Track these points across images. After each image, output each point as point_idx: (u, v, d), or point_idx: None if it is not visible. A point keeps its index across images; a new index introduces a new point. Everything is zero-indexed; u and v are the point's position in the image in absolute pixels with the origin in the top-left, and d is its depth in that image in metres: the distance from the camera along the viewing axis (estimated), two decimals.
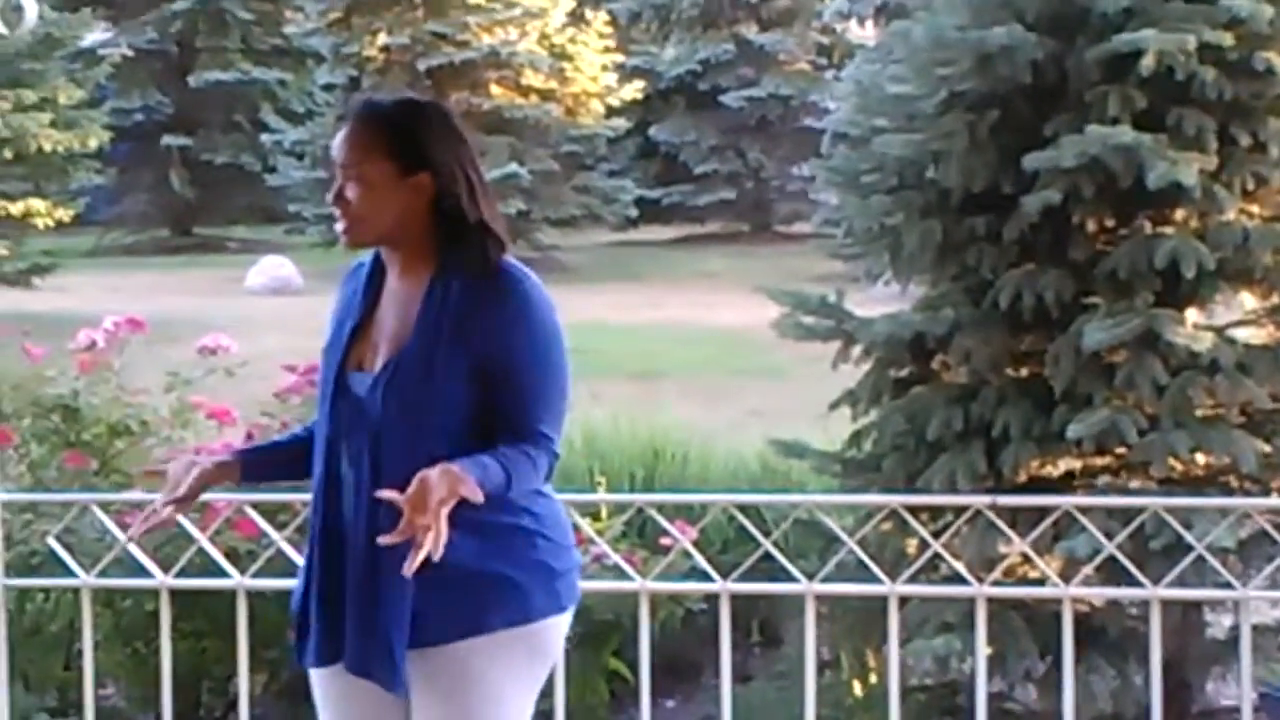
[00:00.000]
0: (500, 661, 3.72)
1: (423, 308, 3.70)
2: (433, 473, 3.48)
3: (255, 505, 5.53)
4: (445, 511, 3.46)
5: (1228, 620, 7.54)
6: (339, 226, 3.76)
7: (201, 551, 5.35)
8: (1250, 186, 7.59)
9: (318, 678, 3.86)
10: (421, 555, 3.46)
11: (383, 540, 3.49)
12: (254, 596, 5.41)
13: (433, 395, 3.65)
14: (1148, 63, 7.34)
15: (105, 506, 5.70)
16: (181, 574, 5.40)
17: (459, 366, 3.66)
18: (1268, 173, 7.57)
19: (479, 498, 3.52)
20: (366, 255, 3.89)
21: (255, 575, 5.36)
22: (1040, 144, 7.48)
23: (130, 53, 31.38)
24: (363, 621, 3.69)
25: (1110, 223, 7.68)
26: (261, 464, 4.04)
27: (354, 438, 3.71)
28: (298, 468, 3.91)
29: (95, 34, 29.92)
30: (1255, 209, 7.72)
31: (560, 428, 3.75)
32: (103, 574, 5.46)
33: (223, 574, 5.37)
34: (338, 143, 3.77)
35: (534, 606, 3.75)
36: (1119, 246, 7.53)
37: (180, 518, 5.48)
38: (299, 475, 3.94)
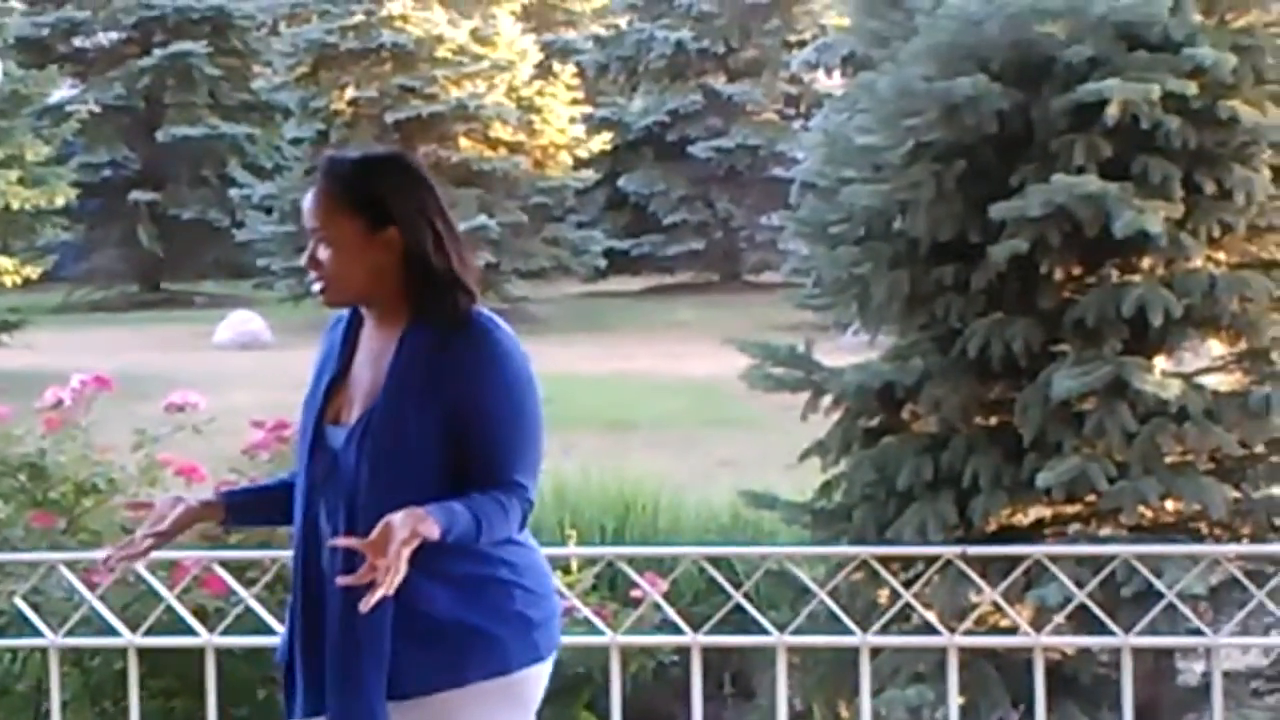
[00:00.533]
0: (479, 714, 3.70)
1: (394, 361, 3.69)
2: (396, 516, 3.49)
3: (223, 563, 5.51)
4: (406, 553, 3.47)
5: (1199, 667, 7.55)
6: (315, 287, 3.76)
7: (170, 609, 5.32)
8: (1216, 234, 7.64)
9: None
10: (378, 595, 3.46)
11: (340, 581, 3.50)
12: (222, 654, 5.38)
13: (405, 448, 3.64)
14: (1113, 112, 7.39)
15: (72, 565, 5.66)
16: (150, 632, 5.37)
17: (431, 419, 3.64)
18: (1233, 220, 7.62)
19: (435, 535, 3.52)
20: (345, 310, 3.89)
21: (224, 633, 5.33)
22: (1007, 193, 7.52)
23: (98, 109, 31.27)
24: (343, 673, 3.67)
25: (1078, 271, 7.72)
26: (246, 506, 4.02)
27: (330, 491, 3.70)
28: (280, 513, 3.89)
29: (62, 90, 29.92)
30: (1221, 256, 7.77)
31: (535, 476, 3.72)
32: (70, 633, 5.43)
33: (191, 632, 5.34)
34: (307, 205, 3.76)
35: (512, 657, 3.73)
36: (1087, 295, 7.56)
37: (148, 575, 5.48)
38: (280, 521, 3.92)
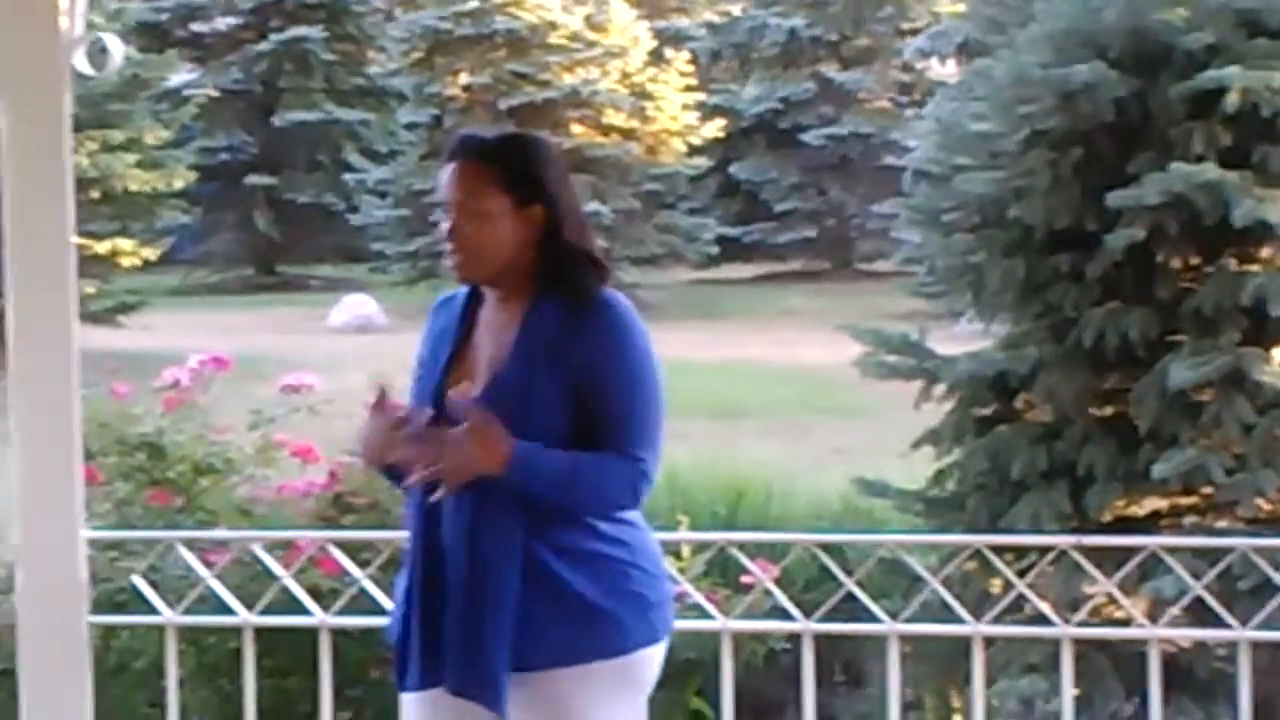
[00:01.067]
0: (596, 692, 3.75)
1: (520, 332, 3.75)
2: (494, 433, 3.61)
3: (338, 543, 5.54)
4: (472, 458, 3.62)
5: None
6: (452, 261, 3.79)
7: (285, 589, 5.36)
8: None
9: (414, 704, 3.87)
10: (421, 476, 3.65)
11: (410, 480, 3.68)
12: (337, 634, 5.40)
13: (531, 416, 3.68)
14: (1233, 100, 7.32)
15: (189, 544, 5.71)
16: (265, 612, 5.40)
17: (555, 389, 3.70)
18: None
19: (495, 469, 3.62)
20: (458, 287, 3.93)
21: (338, 613, 5.36)
22: (1123, 181, 7.46)
23: (216, 93, 31.65)
24: (466, 644, 3.70)
25: (1195, 260, 7.64)
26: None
27: None
28: None
29: (181, 75, 30.23)
30: None
31: (655, 451, 3.76)
32: (187, 612, 5.47)
33: (306, 612, 5.38)
34: (447, 180, 3.80)
35: (630, 637, 3.77)
36: (1204, 284, 7.49)
37: (264, 555, 5.54)
38: None
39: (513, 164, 3.77)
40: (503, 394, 3.70)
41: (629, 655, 3.76)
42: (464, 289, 3.89)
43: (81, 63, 4.87)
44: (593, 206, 25.54)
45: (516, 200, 3.75)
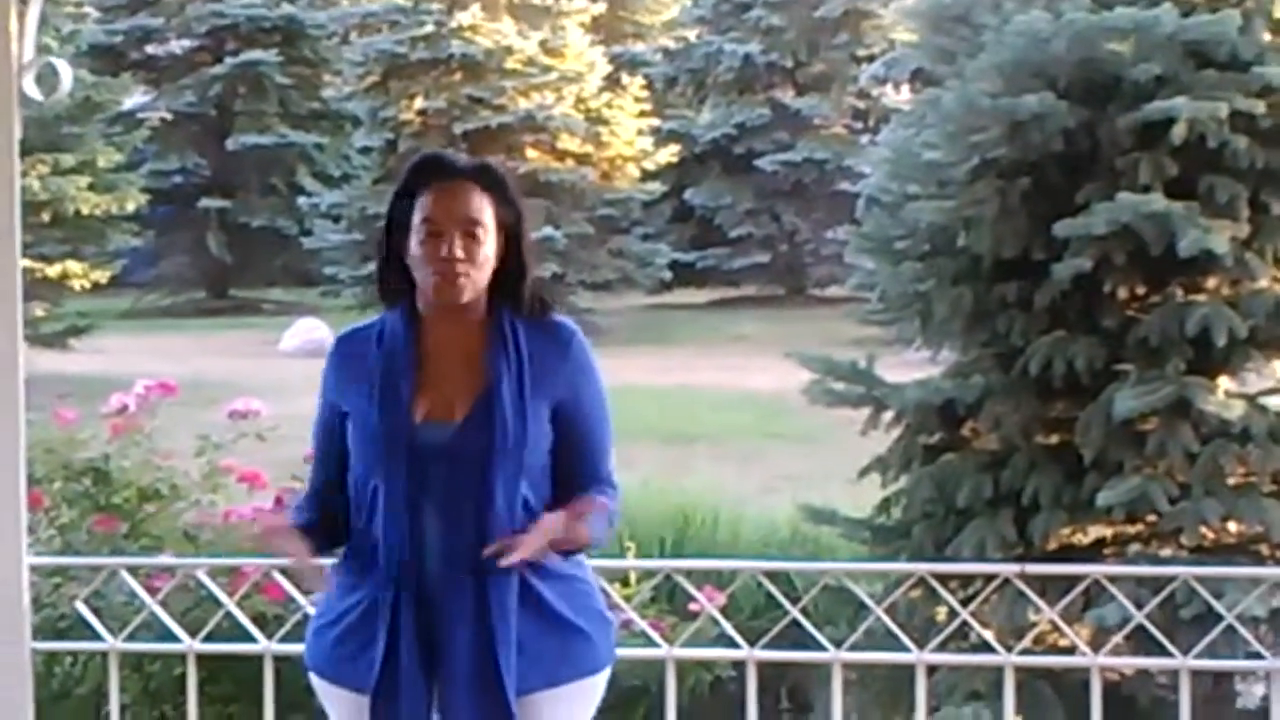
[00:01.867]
0: (568, 712, 3.80)
1: (492, 353, 3.77)
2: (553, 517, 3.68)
3: (283, 570, 5.52)
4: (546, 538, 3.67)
5: (1259, 690, 7.50)
6: (456, 282, 3.75)
7: (229, 616, 5.35)
8: None
9: None
10: (511, 558, 3.63)
11: (487, 552, 3.64)
12: (281, 661, 5.39)
13: (525, 434, 3.72)
14: (1180, 130, 7.36)
15: (134, 570, 5.69)
16: (209, 638, 5.39)
17: (541, 408, 3.75)
18: None
19: (585, 541, 3.73)
20: (359, 322, 3.94)
21: (282, 640, 5.35)
22: (1071, 211, 7.50)
23: (169, 116, 31.56)
24: (477, 673, 3.69)
25: (1141, 290, 7.69)
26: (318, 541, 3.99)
27: (442, 487, 3.72)
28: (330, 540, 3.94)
29: (134, 98, 30.12)
30: None
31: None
32: (131, 638, 5.46)
33: (250, 639, 5.36)
34: (452, 200, 3.78)
35: (601, 656, 3.83)
36: (1150, 314, 7.53)
37: (208, 581, 5.52)
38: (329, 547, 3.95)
39: (502, 190, 3.82)
40: (499, 411, 3.71)
41: (599, 674, 3.83)
42: (376, 323, 3.87)
43: (31, 87, 4.85)
44: (547, 231, 25.54)
45: (499, 225, 3.79)
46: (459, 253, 3.74)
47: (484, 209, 3.78)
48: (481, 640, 3.70)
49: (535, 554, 3.65)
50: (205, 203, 31.58)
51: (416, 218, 3.78)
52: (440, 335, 3.82)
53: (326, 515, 3.88)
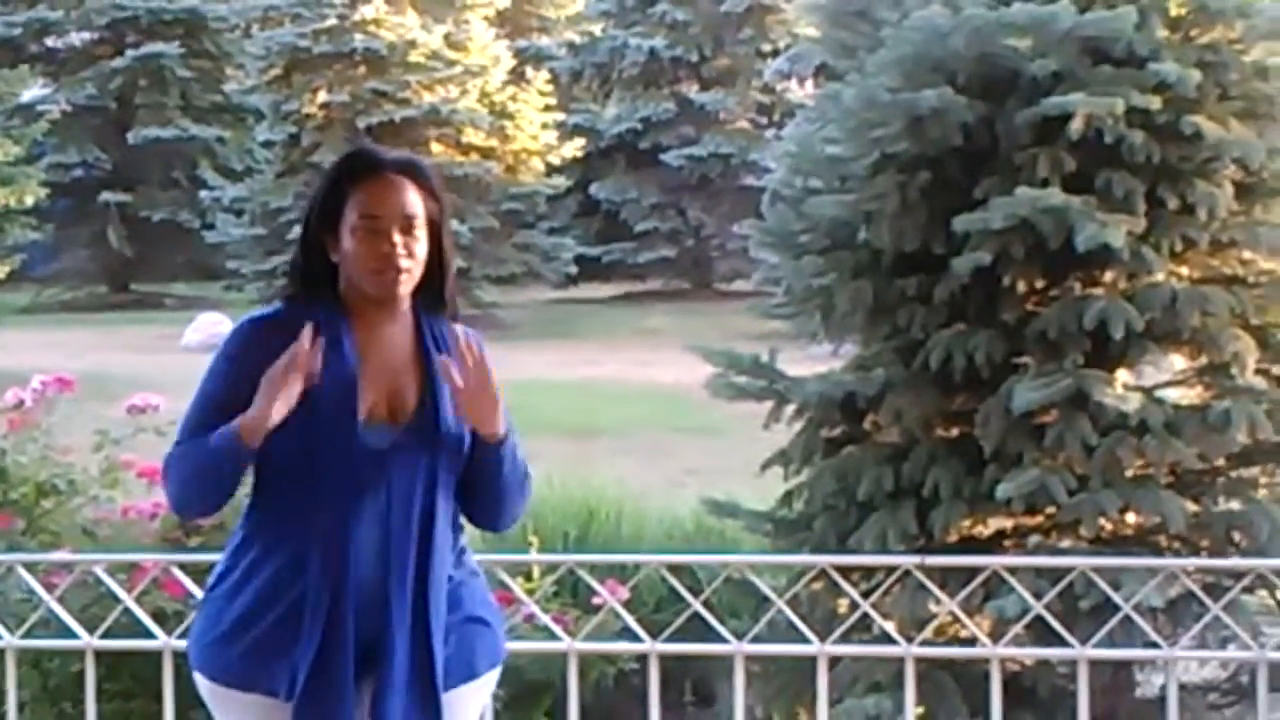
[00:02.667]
0: (477, 704, 3.85)
1: (427, 353, 3.75)
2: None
3: (182, 566, 5.50)
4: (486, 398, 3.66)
5: (1158, 679, 7.58)
6: (399, 280, 3.70)
7: (128, 612, 5.31)
8: (1178, 248, 7.67)
9: None
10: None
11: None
12: (180, 657, 5.35)
13: (464, 434, 3.72)
14: (1077, 126, 7.42)
15: (31, 567, 5.65)
16: (108, 635, 5.36)
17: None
18: (1195, 235, 7.65)
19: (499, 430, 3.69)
20: (263, 310, 3.86)
21: (182, 635, 5.31)
22: (971, 205, 7.55)
23: (69, 109, 31.31)
24: (415, 674, 3.69)
25: (1040, 284, 7.74)
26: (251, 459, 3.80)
27: (382, 491, 3.68)
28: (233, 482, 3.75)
29: (33, 90, 29.87)
30: (1184, 270, 7.80)
31: None
32: (29, 635, 5.42)
33: (149, 635, 5.33)
34: (395, 194, 3.73)
35: (501, 645, 3.88)
36: (1049, 307, 7.59)
37: (107, 577, 5.48)
38: (227, 487, 3.74)
39: (430, 185, 3.80)
40: (440, 416, 3.70)
41: (500, 666, 3.89)
42: (283, 313, 3.76)
43: None
44: (451, 225, 25.50)
45: (427, 221, 3.76)
46: (399, 248, 3.70)
47: (419, 204, 3.75)
48: (418, 642, 3.69)
49: (477, 386, 3.64)
50: (106, 196, 31.35)
51: (352, 214, 3.72)
52: (370, 334, 3.76)
53: None
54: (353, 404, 3.67)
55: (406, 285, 3.73)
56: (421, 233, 3.74)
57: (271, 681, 3.68)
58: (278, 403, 3.59)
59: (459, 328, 3.79)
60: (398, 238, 3.70)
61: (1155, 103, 7.47)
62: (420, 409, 3.71)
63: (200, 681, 3.81)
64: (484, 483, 3.76)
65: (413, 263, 3.72)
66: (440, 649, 3.70)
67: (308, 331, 3.61)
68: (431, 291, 3.79)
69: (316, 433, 3.66)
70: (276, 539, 3.72)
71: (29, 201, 23.56)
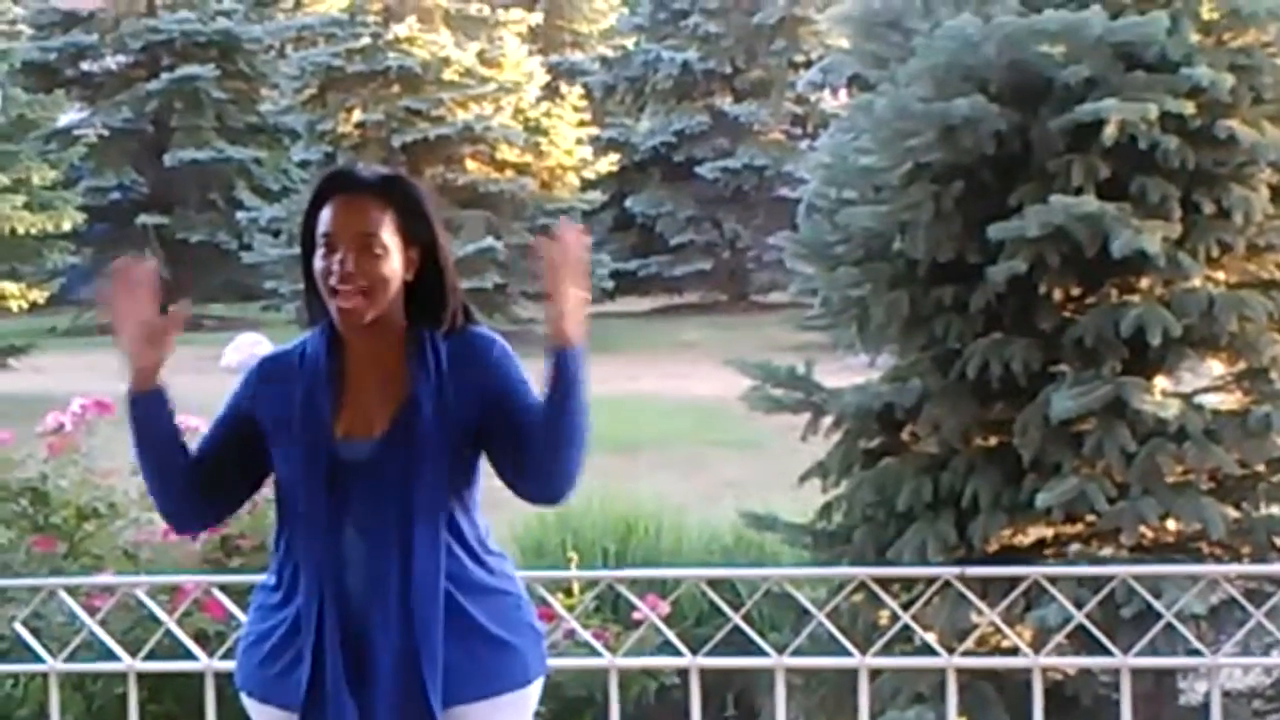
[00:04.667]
0: None
1: (411, 367, 3.73)
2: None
3: (223, 587, 5.52)
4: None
5: (1201, 686, 7.54)
6: (348, 300, 3.68)
7: (170, 634, 5.33)
8: (1214, 253, 7.64)
9: None
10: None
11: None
12: (222, 678, 5.37)
13: (447, 448, 3.69)
14: (1110, 132, 7.40)
15: (73, 590, 5.67)
16: (150, 657, 5.38)
17: (466, 421, 3.71)
18: (1232, 239, 7.63)
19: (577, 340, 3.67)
20: (281, 347, 3.89)
21: (223, 657, 5.33)
22: (1005, 214, 7.53)
23: (105, 132, 31.45)
24: (402, 686, 3.68)
25: (1076, 291, 7.72)
26: (162, 409, 3.88)
27: (363, 504, 3.71)
28: (165, 455, 3.84)
29: (70, 114, 29.99)
30: (1220, 275, 7.77)
31: None
32: (71, 658, 5.44)
33: (191, 656, 5.35)
34: (343, 214, 3.73)
35: (531, 669, 3.82)
36: (1085, 315, 7.56)
37: (148, 600, 5.49)
38: (157, 460, 3.84)
39: (405, 205, 3.77)
40: (423, 424, 3.68)
41: (529, 686, 3.83)
42: (298, 345, 3.83)
43: None
44: (487, 242, 25.52)
45: (404, 240, 3.74)
46: (350, 267, 3.69)
47: (382, 223, 3.72)
48: (406, 656, 3.69)
49: (572, 269, 3.69)
50: (143, 219, 31.45)
51: (317, 233, 3.75)
52: (359, 352, 3.78)
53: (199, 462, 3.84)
54: (325, 421, 3.71)
55: (364, 307, 3.70)
56: (386, 251, 3.71)
57: (282, 695, 3.75)
58: (117, 335, 3.75)
59: (486, 331, 3.81)
60: (351, 256, 3.69)
61: (1189, 107, 7.44)
62: (396, 421, 3.71)
63: (241, 695, 3.89)
64: (550, 419, 3.67)
65: (366, 282, 3.69)
66: (430, 659, 3.67)
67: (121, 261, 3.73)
68: (428, 309, 3.78)
69: (297, 450, 3.73)
70: (283, 557, 3.81)
71: (67, 226, 23.70)
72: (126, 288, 3.71)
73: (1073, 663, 6.78)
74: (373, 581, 3.71)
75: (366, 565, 3.71)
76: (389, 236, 3.72)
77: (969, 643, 5.60)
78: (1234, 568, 7.00)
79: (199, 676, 5.37)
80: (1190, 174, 7.53)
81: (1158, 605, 5.58)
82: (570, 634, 6.26)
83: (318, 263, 3.73)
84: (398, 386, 3.74)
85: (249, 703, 3.86)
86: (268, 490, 7.02)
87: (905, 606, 5.77)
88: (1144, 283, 7.61)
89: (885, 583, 6.06)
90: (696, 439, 17.37)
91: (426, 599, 3.68)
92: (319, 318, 3.82)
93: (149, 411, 3.78)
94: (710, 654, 5.36)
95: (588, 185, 28.96)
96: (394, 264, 3.72)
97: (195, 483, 3.85)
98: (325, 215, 3.74)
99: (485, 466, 3.80)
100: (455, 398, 3.71)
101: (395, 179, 3.85)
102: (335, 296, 3.70)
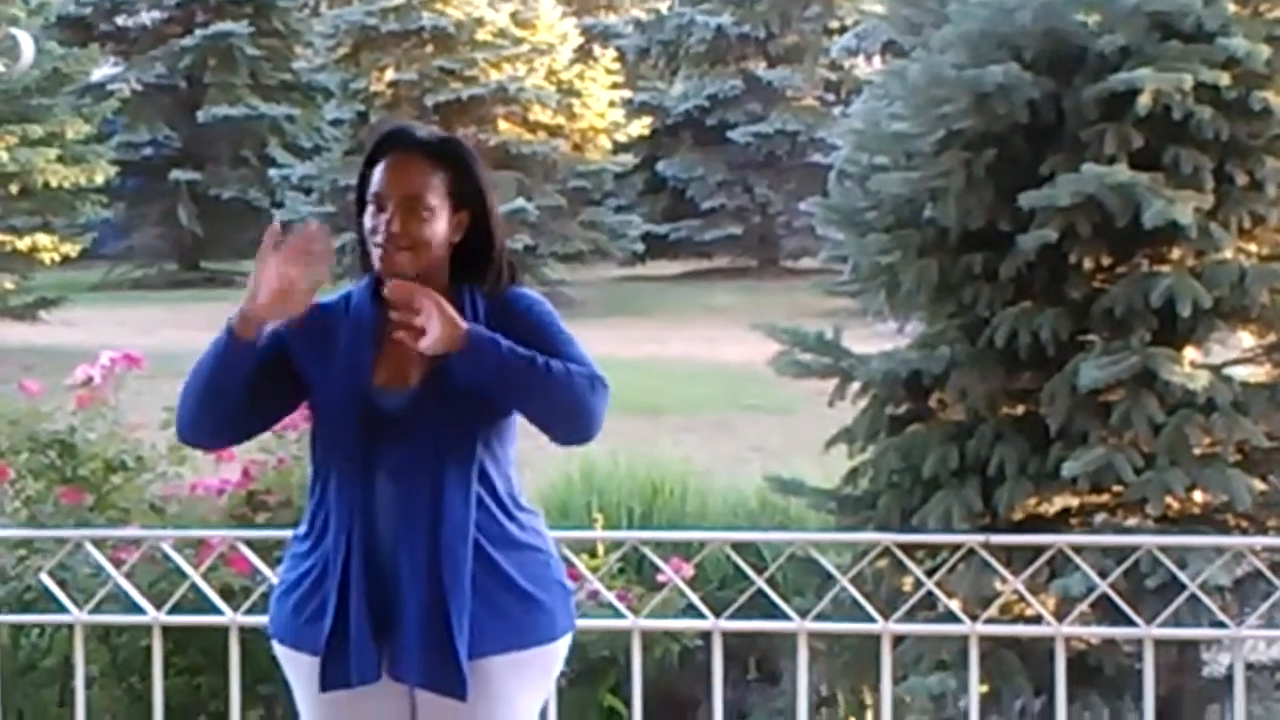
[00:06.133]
0: (525, 679, 3.83)
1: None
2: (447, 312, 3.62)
3: (249, 542, 5.54)
4: (433, 311, 3.61)
5: (1225, 659, 7.53)
6: (393, 256, 3.74)
7: (195, 587, 5.36)
8: (1247, 225, 7.60)
9: (331, 703, 3.84)
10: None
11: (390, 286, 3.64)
12: (247, 632, 5.40)
13: (480, 401, 3.72)
14: (1144, 102, 7.36)
15: (99, 543, 5.70)
16: (175, 610, 5.40)
17: None
18: (1264, 211, 7.59)
19: (461, 328, 3.62)
20: (324, 296, 3.89)
21: (248, 612, 5.36)
22: (1037, 182, 7.50)
23: (139, 87, 31.53)
24: (431, 636, 3.72)
25: (1107, 261, 7.69)
26: (250, 359, 3.80)
27: (397, 453, 3.74)
28: (247, 391, 3.79)
29: (104, 69, 30.08)
30: (1252, 247, 7.73)
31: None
32: (97, 610, 5.47)
33: (216, 610, 5.38)
34: (395, 173, 3.79)
35: (558, 625, 3.86)
36: (1115, 285, 7.53)
37: (174, 554, 5.52)
38: (237, 397, 3.78)
39: (458, 168, 3.82)
40: (449, 381, 3.71)
41: (556, 642, 3.86)
42: (341, 295, 3.89)
43: None
44: (518, 203, 25.53)
45: (454, 204, 3.80)
46: (395, 228, 3.75)
47: (431, 184, 3.78)
48: (433, 606, 3.72)
49: (421, 305, 3.61)
50: (176, 175, 31.53)
51: (369, 190, 3.81)
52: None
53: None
54: (365, 368, 3.75)
55: (408, 265, 3.75)
56: (433, 212, 3.77)
57: (310, 641, 3.79)
58: (260, 287, 3.67)
59: (525, 290, 3.86)
60: (397, 217, 3.75)
61: (1224, 78, 7.40)
62: (432, 372, 3.74)
63: (273, 642, 3.94)
64: (516, 396, 3.72)
65: (411, 242, 3.75)
66: (458, 611, 3.71)
67: (274, 226, 3.69)
68: (473, 269, 3.83)
69: (334, 397, 3.78)
70: (315, 504, 3.85)
71: (99, 180, 23.76)
72: (304, 252, 3.69)
73: (1096, 633, 6.77)
74: (402, 530, 3.75)
75: (396, 514, 3.75)
76: (437, 199, 3.78)
77: (992, 610, 5.59)
78: (1260, 540, 6.98)
79: (223, 630, 5.39)
80: (1223, 145, 7.49)
81: (1182, 576, 5.55)
82: (594, 595, 6.27)
83: (367, 220, 3.80)
84: None
85: (280, 650, 3.90)
86: (295, 449, 7.10)
87: (929, 573, 5.76)
88: (1175, 253, 7.58)
89: (909, 549, 6.05)
90: (724, 403, 17.38)
91: (456, 550, 3.72)
92: (367, 270, 3.88)
93: (240, 356, 3.75)
94: (733, 617, 5.37)
95: (619, 148, 28.95)
96: (439, 226, 3.77)
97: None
98: (377, 174, 3.81)
99: (523, 424, 3.84)
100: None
101: (450, 141, 3.90)
102: (379, 251, 3.77)
